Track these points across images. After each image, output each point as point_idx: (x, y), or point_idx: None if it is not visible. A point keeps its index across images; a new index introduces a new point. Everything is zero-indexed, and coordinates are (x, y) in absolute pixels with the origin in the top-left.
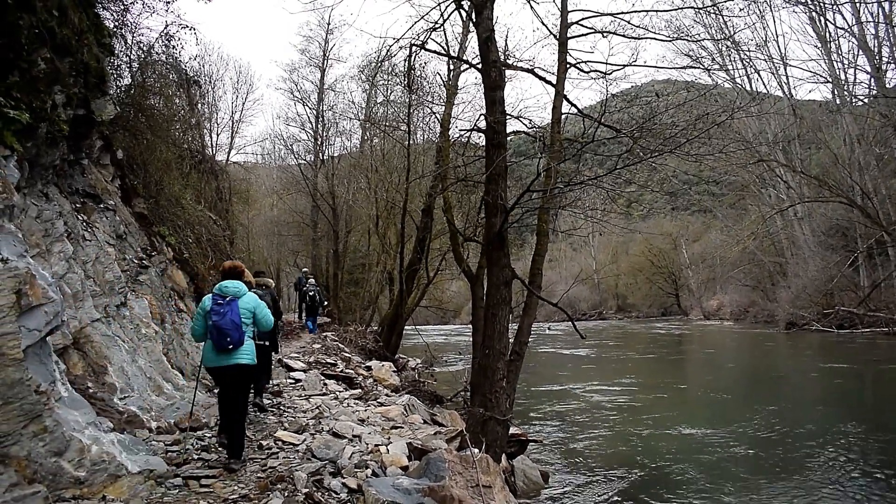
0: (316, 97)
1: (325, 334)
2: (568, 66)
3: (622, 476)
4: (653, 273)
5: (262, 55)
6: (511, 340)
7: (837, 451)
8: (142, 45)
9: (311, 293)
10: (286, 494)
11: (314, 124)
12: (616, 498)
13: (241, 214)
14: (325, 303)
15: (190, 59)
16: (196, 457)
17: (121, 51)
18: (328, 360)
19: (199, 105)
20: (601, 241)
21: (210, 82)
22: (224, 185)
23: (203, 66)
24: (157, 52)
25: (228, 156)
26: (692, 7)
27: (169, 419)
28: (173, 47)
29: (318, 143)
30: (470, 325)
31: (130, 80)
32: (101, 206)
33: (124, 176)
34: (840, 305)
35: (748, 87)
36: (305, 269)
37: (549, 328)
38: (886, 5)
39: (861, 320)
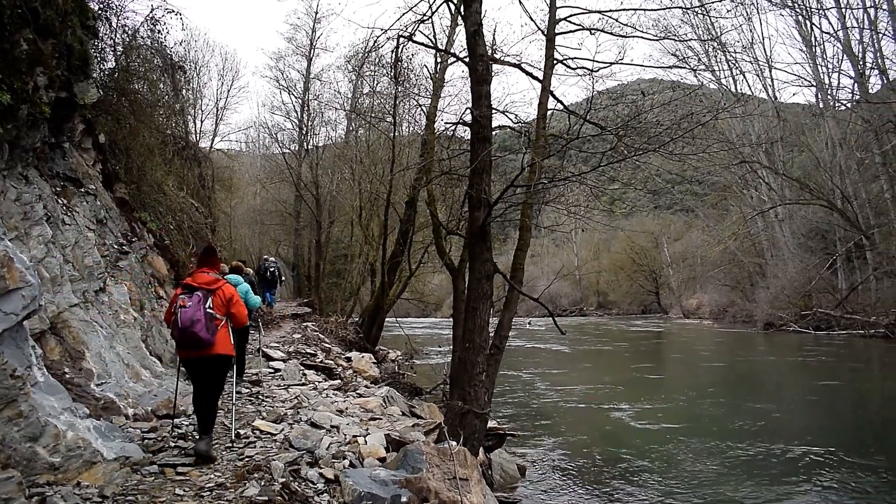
0: (302, 86)
1: (305, 324)
2: (555, 62)
3: (597, 470)
4: (634, 271)
5: (248, 42)
6: (491, 335)
7: (807, 447)
8: (126, 28)
9: (270, 269)
10: (263, 483)
11: (299, 113)
12: (591, 492)
13: (224, 202)
14: (283, 278)
15: (175, 44)
16: (173, 444)
17: (105, 34)
18: (308, 351)
19: (184, 91)
20: (584, 237)
21: (195, 68)
22: (207, 172)
23: (188, 52)
24: (141, 37)
25: (212, 143)
26: (680, 7)
27: (146, 406)
28: (158, 32)
29: (303, 132)
30: (451, 319)
31: (114, 64)
32: (82, 190)
33: (106, 160)
34: (818, 307)
35: (733, 89)
36: (265, 257)
37: (529, 323)
38: (872, 11)
39: (838, 322)
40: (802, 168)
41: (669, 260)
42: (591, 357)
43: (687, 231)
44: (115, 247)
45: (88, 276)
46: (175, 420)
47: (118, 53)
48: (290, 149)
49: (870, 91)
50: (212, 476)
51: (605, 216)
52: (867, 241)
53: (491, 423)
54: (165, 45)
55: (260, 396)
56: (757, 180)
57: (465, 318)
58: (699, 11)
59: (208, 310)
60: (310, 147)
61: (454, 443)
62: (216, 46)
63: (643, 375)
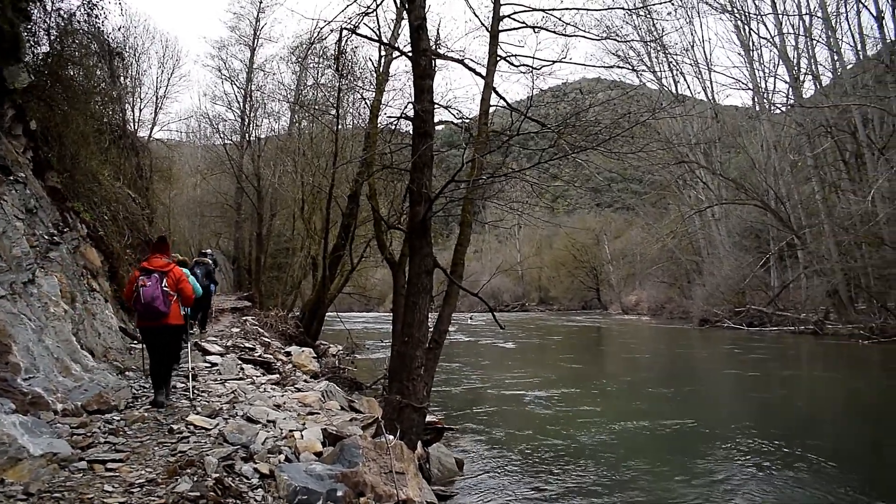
0: (244, 76)
1: (244, 318)
2: (498, 58)
3: (535, 462)
4: (575, 267)
5: (190, 30)
6: (431, 329)
7: (734, 439)
8: (62, 12)
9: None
10: (195, 479)
11: (242, 104)
12: (528, 483)
13: (163, 193)
14: (220, 268)
15: (114, 29)
16: (103, 440)
17: (39, 17)
18: (247, 345)
19: (122, 78)
20: (526, 233)
21: (134, 55)
22: (145, 162)
23: (127, 38)
24: (78, 21)
25: (151, 132)
26: (622, 7)
27: (76, 401)
28: (96, 16)
29: (245, 123)
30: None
31: (48, 49)
32: (11, 178)
33: (37, 148)
34: (751, 304)
35: (673, 90)
36: (204, 251)
37: (471, 318)
38: (807, 19)
39: (770, 319)
40: (738, 169)
41: (609, 257)
42: (530, 352)
43: (627, 229)
44: (46, 237)
45: (16, 267)
46: (106, 415)
47: (52, 38)
48: (231, 140)
49: (803, 96)
50: (142, 472)
51: (547, 213)
52: (798, 241)
53: (429, 418)
54: (103, 31)
55: (195, 391)
56: (695, 180)
57: (405, 312)
58: (641, 12)
59: (164, 288)
60: (252, 138)
61: (391, 437)
62: (157, 33)
63: (581, 369)
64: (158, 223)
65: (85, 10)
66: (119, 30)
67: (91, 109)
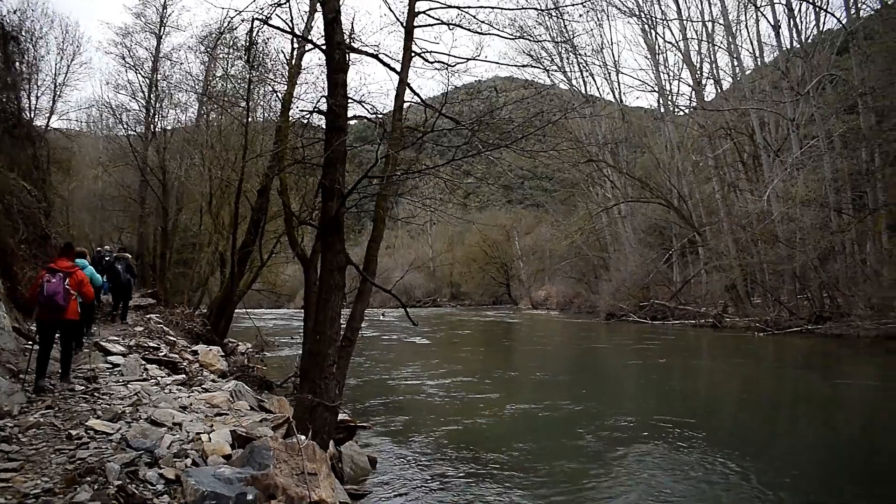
0: (150, 65)
1: (148, 316)
2: (413, 54)
3: (447, 457)
4: (486, 263)
5: (92, 15)
6: (343, 326)
7: (632, 423)
8: None
9: (106, 258)
10: (96, 487)
11: (146, 94)
12: (440, 478)
13: (61, 185)
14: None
15: (9, 12)
16: None
17: None
18: (151, 344)
19: (17, 63)
20: (438, 229)
21: (31, 39)
22: (42, 152)
23: (24, 22)
24: None
25: (49, 121)
26: (535, 8)
27: None
28: None
29: (150, 114)
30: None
31: None
32: None
33: None
34: (655, 299)
35: (583, 90)
36: (99, 248)
37: (384, 314)
38: (710, 25)
39: (672, 313)
40: (644, 168)
41: (520, 253)
42: (442, 347)
43: (537, 225)
44: None
45: None
46: None
47: None
48: (135, 131)
49: (705, 99)
50: (38, 482)
51: (459, 209)
52: (699, 238)
53: (342, 416)
54: None
55: (96, 394)
56: (603, 178)
57: (317, 309)
58: (554, 14)
59: (66, 286)
60: (157, 130)
61: (303, 437)
62: (56, 17)
63: (495, 365)
64: (56, 217)
65: None
66: (14, 12)
67: None
